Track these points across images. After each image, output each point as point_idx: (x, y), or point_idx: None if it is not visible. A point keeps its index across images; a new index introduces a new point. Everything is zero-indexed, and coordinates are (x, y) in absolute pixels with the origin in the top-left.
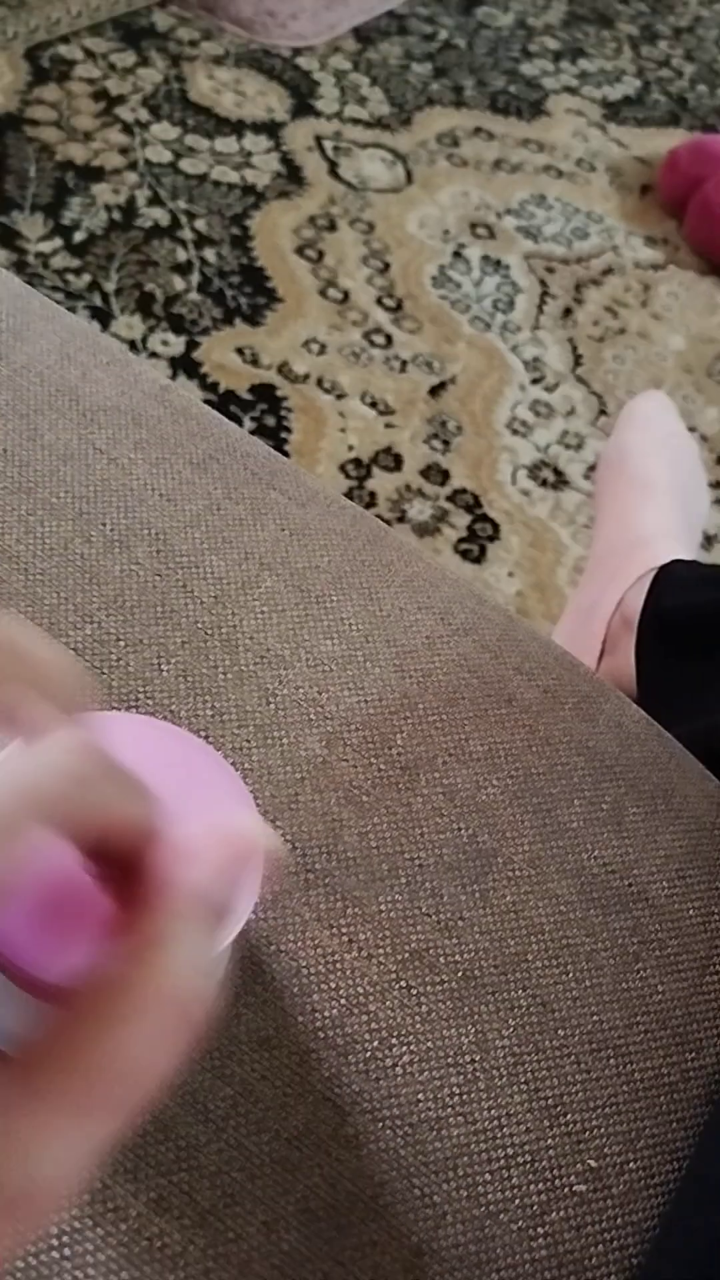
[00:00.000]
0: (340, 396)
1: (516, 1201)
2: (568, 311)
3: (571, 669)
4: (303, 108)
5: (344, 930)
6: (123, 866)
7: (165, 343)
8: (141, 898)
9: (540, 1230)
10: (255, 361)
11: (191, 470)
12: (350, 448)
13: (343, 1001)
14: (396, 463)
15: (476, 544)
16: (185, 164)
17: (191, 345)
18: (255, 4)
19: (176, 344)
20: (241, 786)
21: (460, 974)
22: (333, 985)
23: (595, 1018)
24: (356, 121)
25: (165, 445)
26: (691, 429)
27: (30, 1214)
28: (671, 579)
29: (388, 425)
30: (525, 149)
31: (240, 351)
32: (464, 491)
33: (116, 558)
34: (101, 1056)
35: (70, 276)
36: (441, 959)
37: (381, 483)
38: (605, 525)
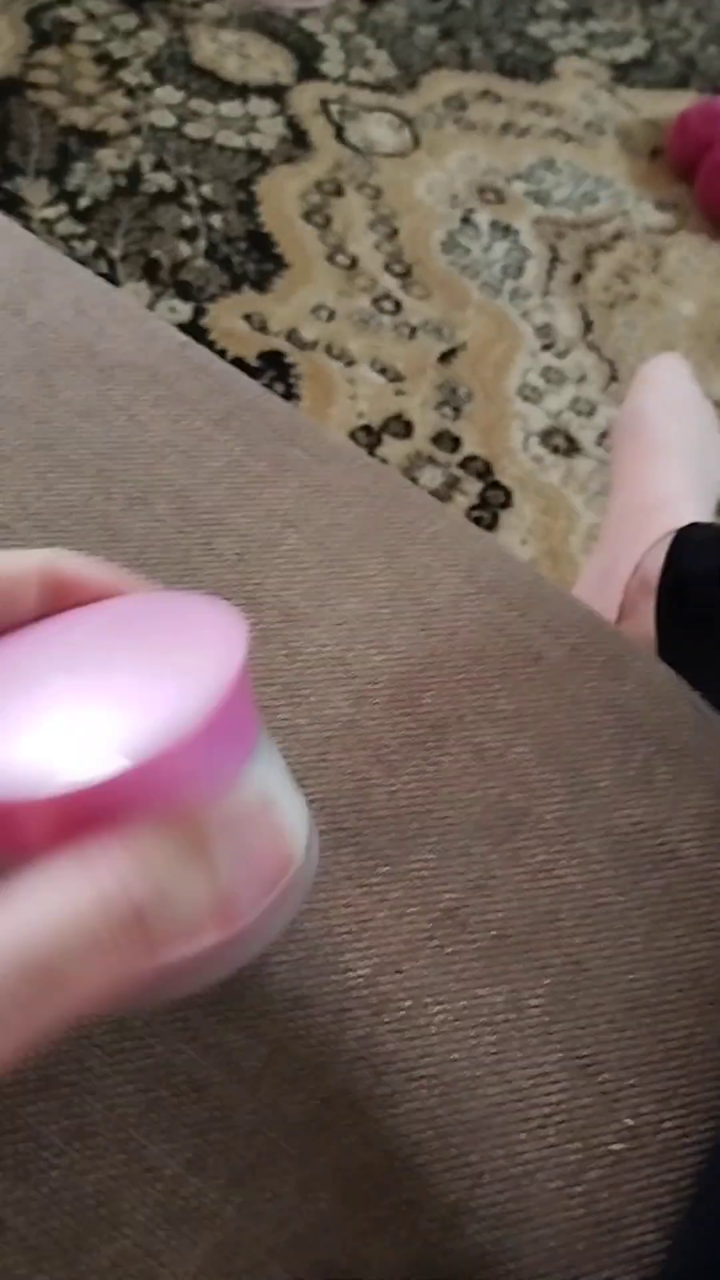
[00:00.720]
0: (349, 363)
1: (553, 1160)
2: (578, 277)
3: (599, 627)
4: (308, 71)
5: (375, 889)
6: None
7: (172, 309)
8: None
9: (577, 1189)
10: (263, 328)
11: (211, 427)
12: (360, 414)
13: (375, 960)
14: (407, 430)
15: (489, 511)
16: (190, 128)
17: (199, 312)
18: None
19: (184, 310)
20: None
21: (492, 933)
22: (364, 944)
23: (628, 977)
24: (362, 85)
25: (184, 402)
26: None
27: None
28: (691, 541)
29: (398, 392)
30: (533, 112)
31: (248, 318)
32: (475, 459)
33: (138, 515)
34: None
35: (75, 243)
36: (473, 918)
37: (392, 450)
38: (622, 488)
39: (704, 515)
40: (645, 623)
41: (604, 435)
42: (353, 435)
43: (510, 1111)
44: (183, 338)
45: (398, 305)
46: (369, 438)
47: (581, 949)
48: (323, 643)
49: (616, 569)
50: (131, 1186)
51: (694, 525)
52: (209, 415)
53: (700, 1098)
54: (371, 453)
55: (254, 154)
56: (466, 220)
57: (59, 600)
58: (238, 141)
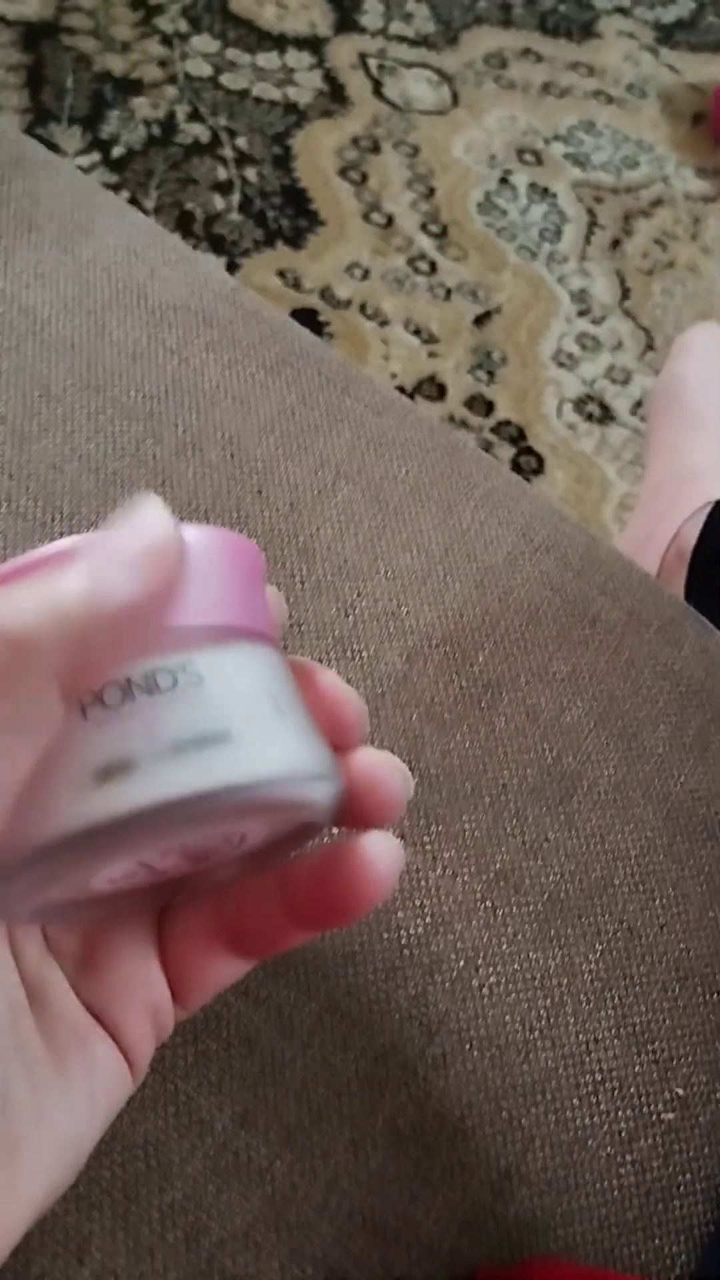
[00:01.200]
0: (383, 324)
1: (605, 1128)
2: (616, 243)
3: (655, 592)
4: (346, 23)
5: (428, 848)
6: None
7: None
8: None
9: (628, 1158)
10: (297, 285)
11: (265, 374)
12: (393, 376)
13: (428, 919)
14: (440, 392)
15: (521, 477)
16: (226, 79)
17: (232, 267)
18: None
19: (217, 265)
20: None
21: (546, 897)
22: (418, 903)
23: (681, 946)
24: (402, 39)
25: (237, 347)
26: None
27: None
28: None
29: (431, 354)
30: (574, 72)
31: (282, 274)
32: (508, 424)
33: (189, 461)
34: None
35: (96, 181)
36: (527, 881)
37: (425, 412)
38: (658, 458)
39: None
40: (681, 592)
41: (638, 404)
42: None
43: (562, 1077)
44: (234, 282)
45: (433, 266)
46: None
47: (635, 916)
48: (376, 597)
49: (654, 538)
50: (181, 1139)
51: None
52: (261, 361)
53: None
54: None
55: (290, 107)
56: (504, 181)
57: None
58: (274, 94)
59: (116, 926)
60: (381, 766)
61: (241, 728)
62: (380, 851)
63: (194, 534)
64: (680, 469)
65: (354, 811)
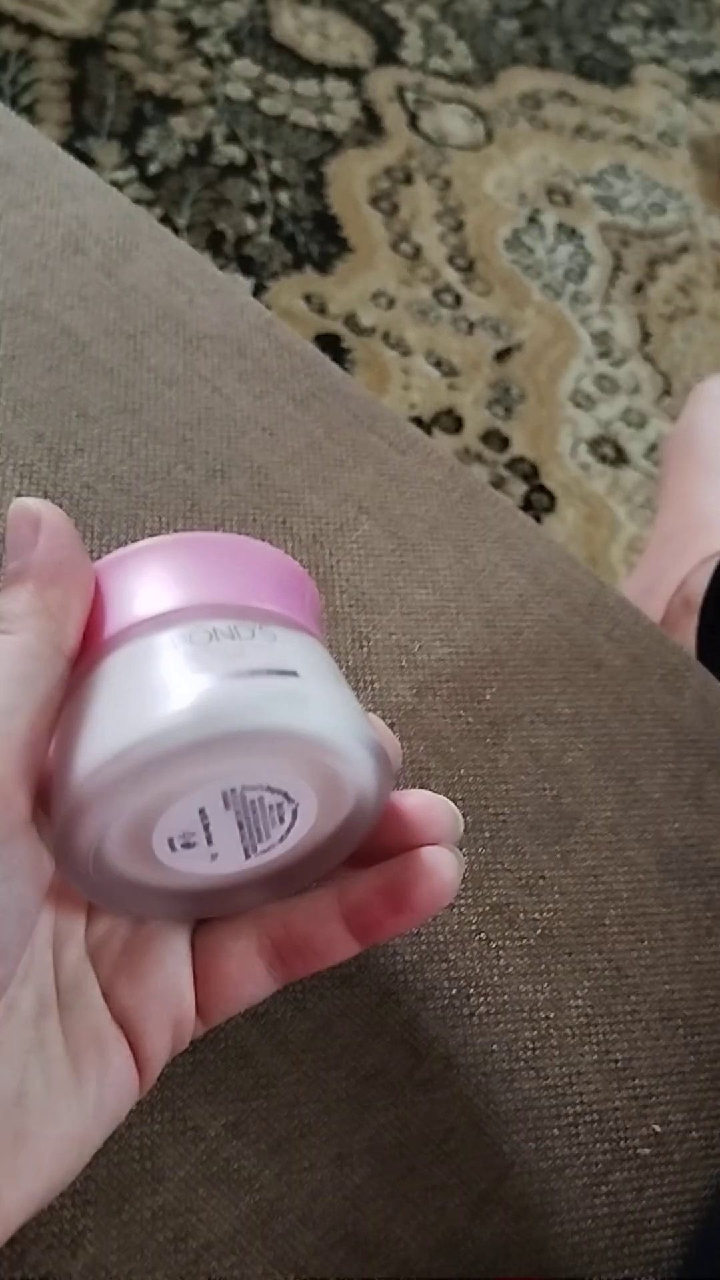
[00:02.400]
0: (405, 353)
1: (582, 1159)
2: (639, 287)
3: (659, 640)
4: (386, 55)
5: None
6: None
7: (235, 284)
8: None
9: (603, 1189)
10: (322, 310)
11: (294, 406)
12: (412, 406)
13: (423, 948)
14: (457, 425)
15: (532, 514)
16: (264, 103)
17: (259, 288)
18: None
19: (244, 285)
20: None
21: (538, 932)
22: (414, 931)
23: (666, 986)
24: (440, 74)
25: (269, 378)
26: None
27: None
28: None
29: (451, 386)
30: (608, 117)
31: (308, 299)
32: (523, 460)
33: (218, 487)
34: None
35: (143, 208)
36: (521, 915)
37: (441, 444)
38: (670, 505)
39: None
40: (686, 640)
41: (653, 448)
42: None
43: (544, 1107)
44: (269, 314)
45: (458, 299)
46: (419, 429)
47: (623, 955)
48: (390, 630)
49: (660, 585)
50: (174, 1144)
51: None
52: (291, 394)
53: None
54: None
55: (326, 134)
56: (533, 219)
57: None
58: (311, 120)
59: (155, 939)
60: (436, 805)
61: (308, 675)
62: (444, 859)
63: (269, 550)
64: (691, 517)
65: (406, 844)
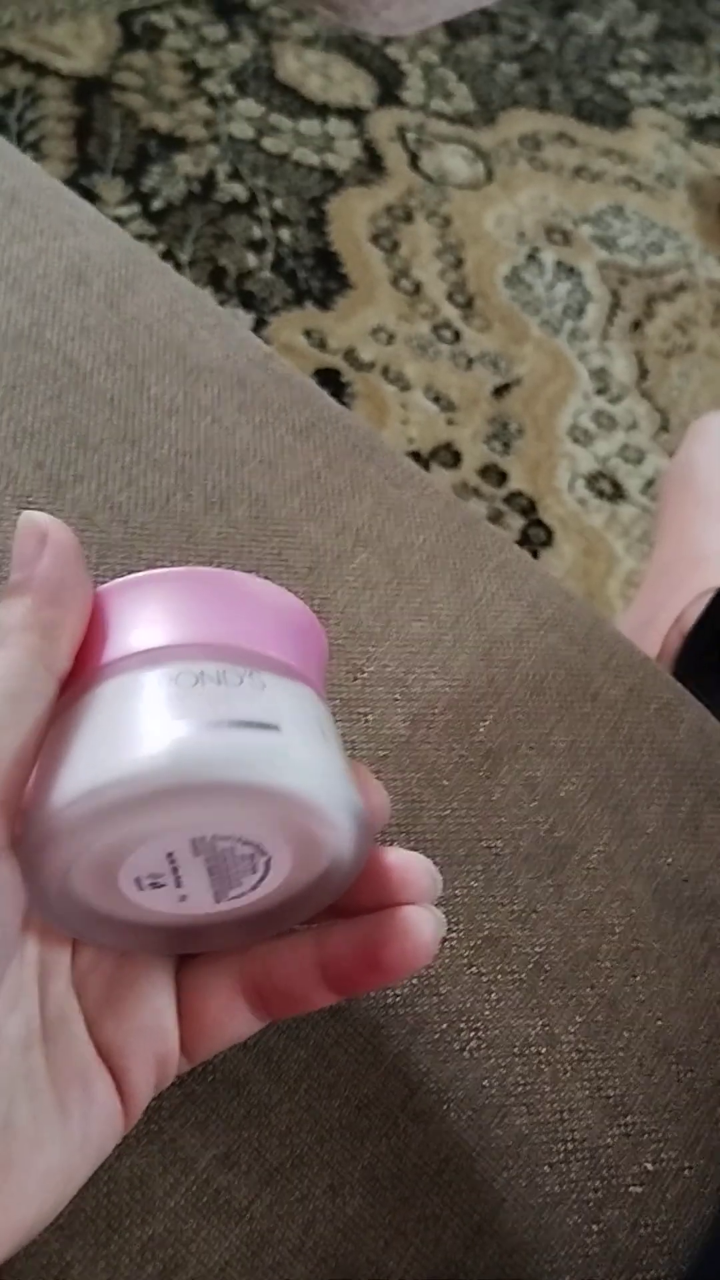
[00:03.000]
0: (405, 388)
1: (574, 1195)
2: (637, 324)
3: (655, 672)
4: (388, 97)
5: None
6: None
7: (235, 318)
8: None
9: (595, 1226)
10: (322, 345)
11: (293, 437)
12: (410, 440)
13: (415, 980)
14: (455, 460)
15: (530, 548)
16: (267, 142)
17: (260, 323)
18: None
19: (245, 320)
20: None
21: (531, 965)
22: None
23: (660, 1021)
24: (441, 115)
25: (268, 409)
26: None
27: None
28: None
29: (449, 421)
30: (607, 159)
31: (308, 334)
32: (520, 495)
33: (215, 518)
34: None
35: (145, 244)
36: (514, 949)
37: (439, 479)
38: (666, 540)
39: None
40: None
41: (650, 483)
42: None
43: (536, 1143)
44: (268, 349)
45: (457, 335)
46: (418, 464)
47: (617, 989)
48: (385, 662)
49: (657, 619)
50: (165, 1175)
51: None
52: (291, 425)
53: None
54: None
55: (328, 173)
56: (532, 257)
57: None
58: (313, 159)
59: (140, 974)
60: (414, 865)
61: (292, 730)
62: (419, 920)
63: (279, 593)
64: (688, 553)
65: (384, 902)
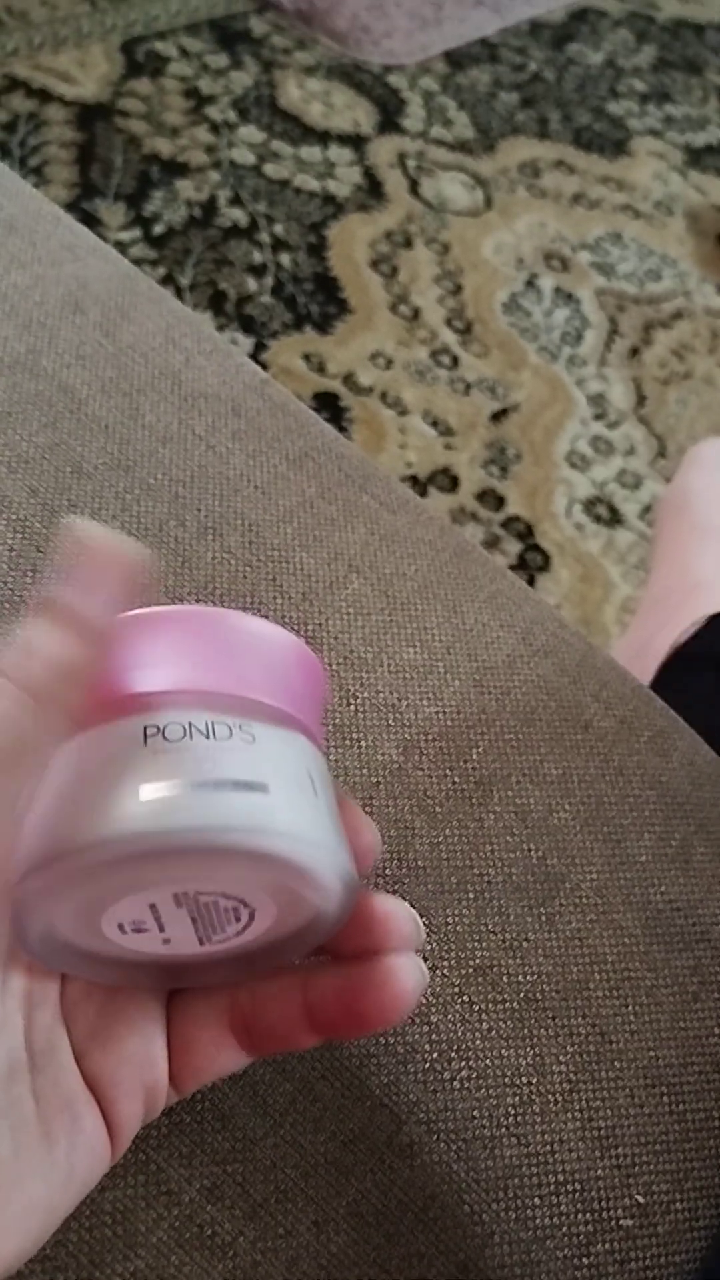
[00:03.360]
0: (403, 413)
1: (564, 1229)
2: (635, 351)
3: (647, 702)
4: (389, 124)
5: None
6: None
7: (234, 342)
8: None
9: (585, 1261)
10: (321, 369)
11: (287, 465)
12: (408, 464)
13: None
14: (453, 484)
15: (526, 573)
16: (269, 168)
17: (260, 347)
18: (351, 19)
19: (245, 344)
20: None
21: (522, 995)
22: None
23: (651, 1053)
24: (441, 143)
25: (263, 438)
26: None
27: None
28: None
29: (447, 446)
30: (605, 186)
31: (307, 358)
32: (518, 519)
33: (209, 545)
34: None
35: (146, 268)
36: (505, 978)
37: (436, 503)
38: (662, 567)
39: None
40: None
41: (647, 509)
42: None
43: (525, 1175)
44: (264, 375)
45: (455, 360)
46: (415, 488)
47: (608, 1020)
48: (378, 689)
49: (652, 646)
50: (149, 1208)
51: None
52: (285, 453)
53: (713, 1182)
54: None
55: (328, 199)
56: (530, 284)
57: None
58: (314, 185)
59: (130, 1004)
60: (398, 914)
61: (279, 788)
62: (404, 970)
63: (278, 634)
64: (683, 581)
65: (368, 949)
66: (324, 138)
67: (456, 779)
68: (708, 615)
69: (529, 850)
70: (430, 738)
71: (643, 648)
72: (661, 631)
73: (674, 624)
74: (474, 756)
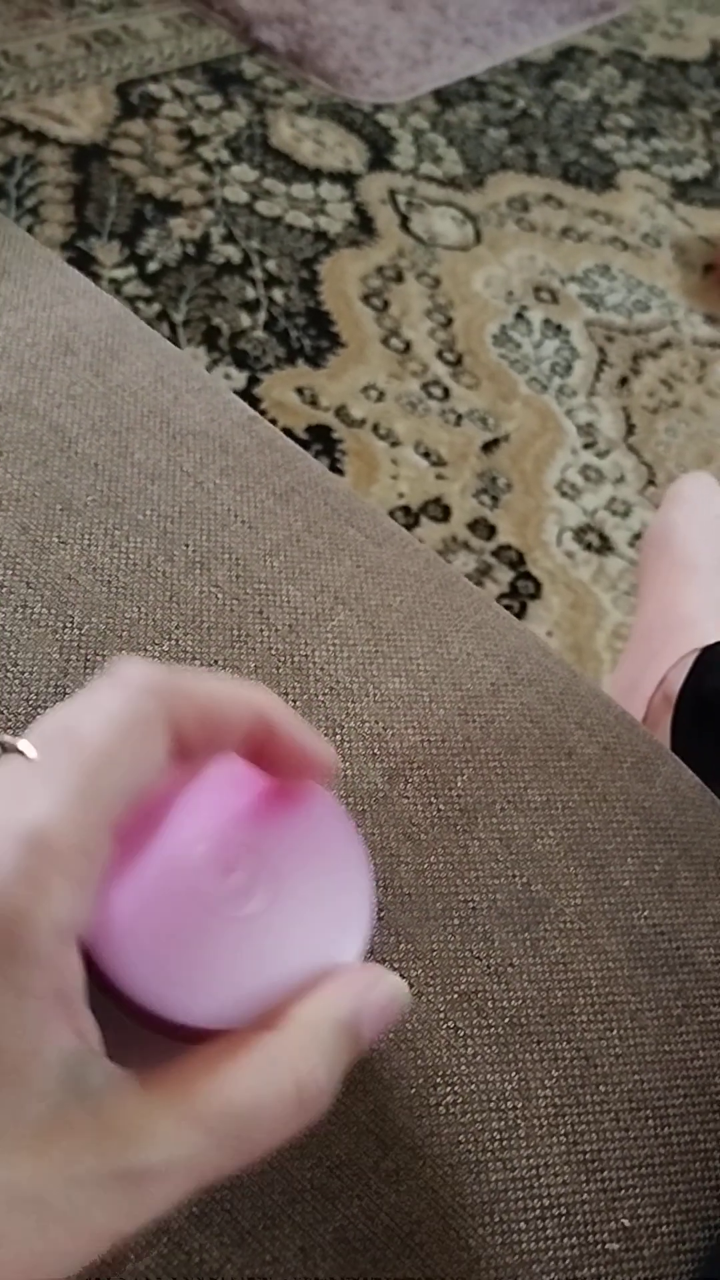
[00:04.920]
0: (395, 444)
1: (550, 1254)
2: (624, 381)
3: (631, 729)
4: (379, 161)
5: (395, 965)
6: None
7: (228, 376)
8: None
9: None
10: (314, 402)
11: (274, 500)
12: (400, 495)
13: (391, 1036)
14: (445, 514)
15: (518, 601)
16: (261, 206)
17: (253, 381)
18: (341, 59)
19: (239, 379)
20: (364, 860)
21: (507, 1020)
22: None
23: (636, 1077)
24: (431, 179)
25: (250, 474)
26: None
27: (141, 1195)
28: (715, 660)
29: (439, 476)
30: (593, 219)
31: (300, 391)
32: (509, 548)
33: (197, 579)
34: (220, 1091)
35: (141, 304)
36: (490, 1003)
37: (429, 532)
38: (648, 604)
39: None
40: (667, 737)
41: (637, 536)
42: (392, 515)
43: (511, 1199)
44: (252, 412)
45: (446, 392)
46: (407, 518)
47: (593, 1044)
48: (364, 718)
49: (641, 682)
50: (138, 1233)
51: (718, 644)
52: (272, 489)
53: (699, 1205)
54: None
55: (320, 235)
56: (520, 316)
57: (256, 747)
58: (306, 222)
59: None
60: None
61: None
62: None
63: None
64: (669, 616)
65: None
66: (315, 175)
67: (441, 806)
68: (693, 650)
69: (513, 876)
70: (415, 766)
71: (632, 684)
72: (650, 667)
73: (662, 659)
74: (459, 784)
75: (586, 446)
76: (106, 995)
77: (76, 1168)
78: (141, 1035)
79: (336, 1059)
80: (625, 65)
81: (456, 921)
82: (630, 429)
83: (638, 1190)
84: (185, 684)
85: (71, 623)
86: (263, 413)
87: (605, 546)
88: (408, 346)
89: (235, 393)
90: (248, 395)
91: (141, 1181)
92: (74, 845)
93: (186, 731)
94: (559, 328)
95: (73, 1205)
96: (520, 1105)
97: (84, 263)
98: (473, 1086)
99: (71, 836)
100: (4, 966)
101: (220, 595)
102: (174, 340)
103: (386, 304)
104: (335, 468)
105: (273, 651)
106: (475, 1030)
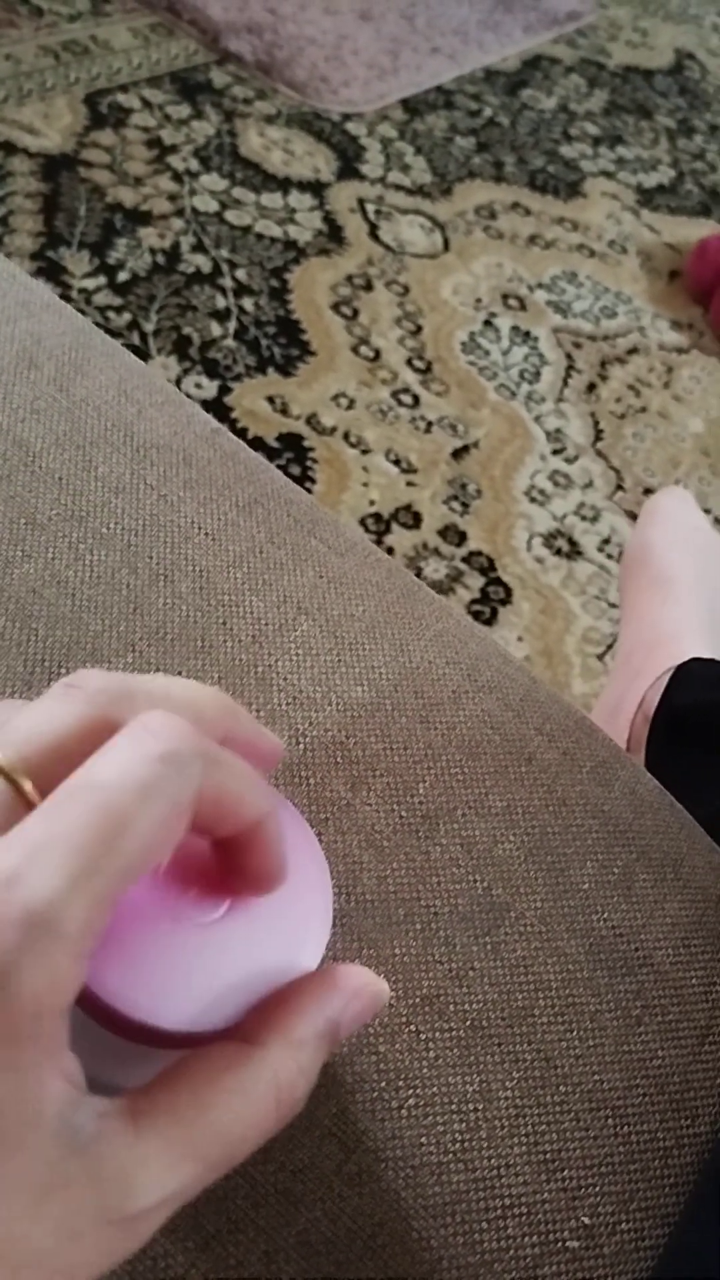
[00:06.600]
0: (365, 451)
1: (511, 1252)
2: (592, 386)
3: (590, 734)
4: (348, 170)
5: None
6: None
7: (199, 385)
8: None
9: None
10: (285, 411)
11: (237, 512)
12: (371, 502)
13: (354, 1040)
14: (415, 520)
15: (488, 606)
16: (231, 215)
17: (224, 390)
18: (310, 69)
19: (210, 388)
20: (322, 864)
21: (468, 1023)
22: None
23: (596, 1077)
24: (399, 188)
25: (213, 486)
26: (706, 510)
27: (136, 1233)
28: (688, 677)
29: (409, 483)
30: (560, 227)
31: (271, 400)
32: (479, 554)
33: (161, 591)
34: (207, 1118)
35: (111, 314)
36: (451, 1007)
37: (399, 539)
38: (630, 623)
39: (710, 649)
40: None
41: (606, 541)
42: (363, 522)
43: (473, 1200)
44: (215, 424)
45: (416, 399)
46: (378, 525)
47: (553, 1046)
48: (326, 727)
49: (623, 704)
50: None
51: (694, 661)
52: (235, 500)
53: (658, 1202)
54: (379, 541)
55: (290, 244)
56: (488, 323)
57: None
58: (275, 231)
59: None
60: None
61: None
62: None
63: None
64: (649, 634)
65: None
66: (285, 184)
67: (404, 813)
68: (671, 666)
69: (474, 881)
70: (378, 774)
71: (616, 707)
72: (631, 688)
73: (640, 683)
74: (420, 791)
75: (555, 452)
76: (80, 1005)
77: (76, 1221)
78: (117, 1043)
79: (314, 1068)
80: (591, 74)
81: (418, 926)
82: (598, 434)
83: (598, 1189)
84: (212, 750)
85: (35, 635)
86: (234, 422)
87: (575, 551)
88: (377, 354)
89: (206, 402)
90: (219, 404)
91: (137, 1223)
92: (82, 925)
93: (206, 798)
94: (527, 334)
95: (72, 1256)
96: (481, 1107)
97: (54, 273)
98: (434, 1089)
99: (80, 916)
100: (9, 1051)
101: (184, 607)
102: (144, 350)
103: (356, 312)
104: (306, 476)
105: (236, 662)
106: (437, 1033)
